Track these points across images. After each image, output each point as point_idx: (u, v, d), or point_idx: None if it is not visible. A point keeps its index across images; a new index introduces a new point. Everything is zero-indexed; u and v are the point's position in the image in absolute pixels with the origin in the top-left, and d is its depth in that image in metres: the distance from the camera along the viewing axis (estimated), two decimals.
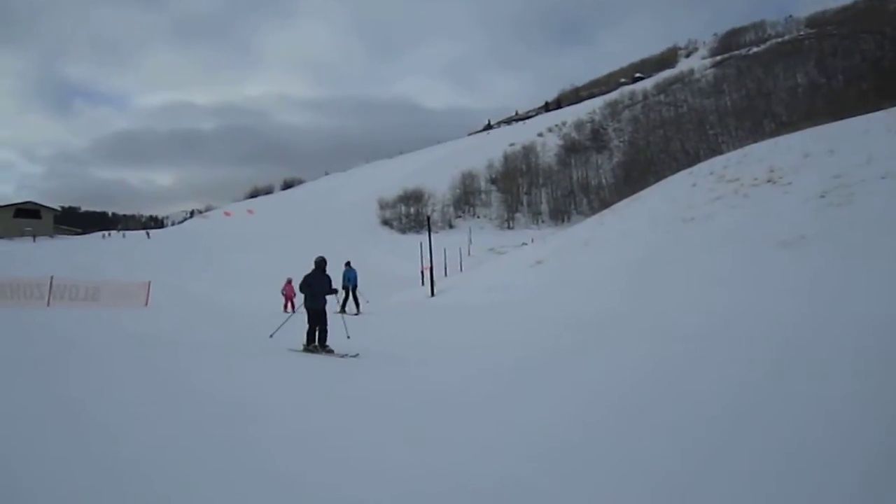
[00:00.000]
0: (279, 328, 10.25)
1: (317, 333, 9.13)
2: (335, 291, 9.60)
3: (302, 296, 9.34)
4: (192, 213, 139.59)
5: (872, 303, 9.60)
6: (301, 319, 9.51)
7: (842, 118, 26.25)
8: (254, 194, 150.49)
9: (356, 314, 17.59)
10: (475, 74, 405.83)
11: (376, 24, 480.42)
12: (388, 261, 57.93)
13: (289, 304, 19.41)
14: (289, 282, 19.61)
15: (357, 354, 8.69)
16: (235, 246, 61.39)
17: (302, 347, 9.09)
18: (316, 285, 9.22)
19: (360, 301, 18.63)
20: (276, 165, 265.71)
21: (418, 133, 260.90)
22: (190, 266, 46.37)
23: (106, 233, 77.29)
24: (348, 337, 10.02)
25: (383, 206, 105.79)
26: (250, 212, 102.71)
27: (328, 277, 9.53)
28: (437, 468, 4.04)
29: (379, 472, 3.96)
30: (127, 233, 77.62)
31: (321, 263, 9.48)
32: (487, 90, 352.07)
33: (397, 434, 4.89)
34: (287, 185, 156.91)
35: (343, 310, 18.44)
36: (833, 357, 7.53)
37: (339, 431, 4.97)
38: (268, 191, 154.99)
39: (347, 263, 19.22)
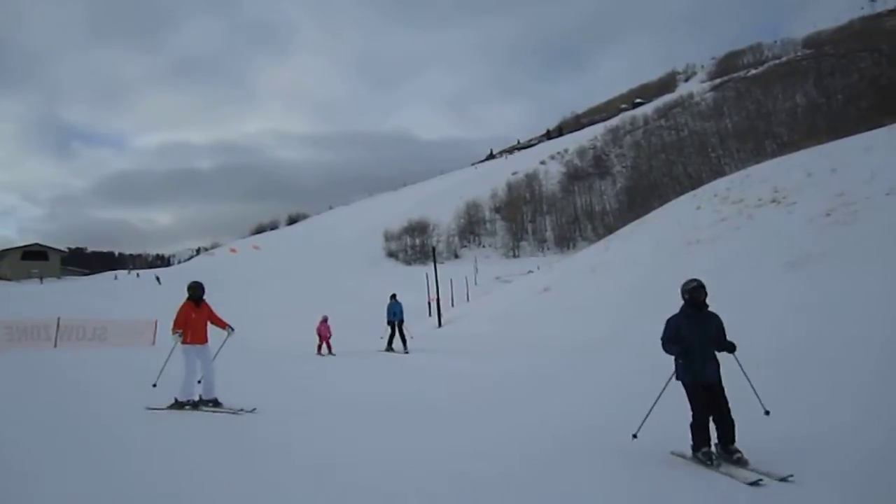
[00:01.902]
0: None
1: (710, 422, 4.92)
2: (733, 347, 5.10)
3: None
4: (198, 251, 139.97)
5: (884, 321, 9.48)
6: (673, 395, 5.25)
7: (843, 136, 26.34)
8: (259, 230, 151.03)
9: (405, 353, 15.78)
10: (475, 104, 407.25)
11: (372, 57, 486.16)
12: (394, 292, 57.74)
13: (323, 346, 16.42)
14: (324, 320, 16.78)
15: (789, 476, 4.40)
16: (245, 282, 61.31)
17: (694, 455, 4.93)
18: (692, 338, 5.01)
19: (406, 337, 16.41)
20: (279, 201, 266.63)
21: (421, 164, 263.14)
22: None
23: (121, 272, 77.48)
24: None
25: (388, 238, 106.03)
26: (256, 248, 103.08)
27: (713, 317, 5.20)
28: None
29: None
30: (140, 272, 77.67)
31: (696, 294, 5.17)
32: (488, 119, 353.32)
33: None
34: (292, 221, 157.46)
35: (390, 347, 16.43)
36: (845, 372, 7.43)
37: None
38: (273, 226, 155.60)
39: (393, 296, 17.27)
